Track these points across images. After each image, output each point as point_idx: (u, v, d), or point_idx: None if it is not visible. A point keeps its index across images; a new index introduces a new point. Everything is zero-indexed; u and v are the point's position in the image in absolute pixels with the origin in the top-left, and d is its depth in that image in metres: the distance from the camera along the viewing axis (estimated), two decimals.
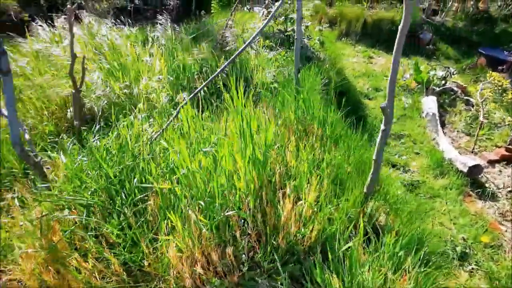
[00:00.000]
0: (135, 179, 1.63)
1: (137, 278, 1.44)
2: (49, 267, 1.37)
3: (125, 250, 1.47)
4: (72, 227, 1.51)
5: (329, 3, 7.92)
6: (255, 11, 6.55)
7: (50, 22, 3.33)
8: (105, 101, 2.22)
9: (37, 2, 6.71)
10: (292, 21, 4.77)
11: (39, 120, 2.29)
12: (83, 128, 2.16)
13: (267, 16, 5.63)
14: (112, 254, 1.38)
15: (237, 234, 1.49)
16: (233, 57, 2.04)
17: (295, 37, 2.49)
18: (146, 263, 1.42)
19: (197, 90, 2.00)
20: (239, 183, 1.64)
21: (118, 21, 4.07)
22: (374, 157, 1.76)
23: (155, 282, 1.42)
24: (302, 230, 1.55)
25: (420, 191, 3.04)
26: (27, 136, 1.89)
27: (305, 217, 1.59)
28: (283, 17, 4.83)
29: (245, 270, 1.43)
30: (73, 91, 1.89)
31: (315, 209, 1.61)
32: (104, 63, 2.50)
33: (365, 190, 1.85)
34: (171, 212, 1.46)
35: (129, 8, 6.99)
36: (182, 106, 1.95)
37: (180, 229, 1.43)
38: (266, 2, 5.76)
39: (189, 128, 1.91)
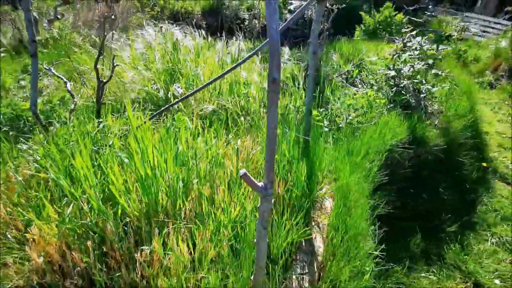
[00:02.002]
0: None
1: None
2: None
3: None
4: None
5: None
6: (395, 42, 5.65)
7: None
8: (135, 96, 2.55)
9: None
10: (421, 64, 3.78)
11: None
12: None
13: (401, 49, 4.74)
14: None
15: None
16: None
17: (307, 72, 1.94)
18: None
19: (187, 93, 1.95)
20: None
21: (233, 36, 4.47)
22: None
23: None
24: None
25: None
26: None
27: None
28: (406, 55, 3.90)
29: None
30: (100, 80, 2.28)
31: None
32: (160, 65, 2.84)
33: None
34: None
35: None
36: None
37: None
38: (404, 36, 4.84)
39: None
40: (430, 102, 3.63)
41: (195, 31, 3.50)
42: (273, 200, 1.30)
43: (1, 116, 2.84)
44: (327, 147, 2.38)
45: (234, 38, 3.84)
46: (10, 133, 2.61)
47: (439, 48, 6.28)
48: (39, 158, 1.89)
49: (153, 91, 2.51)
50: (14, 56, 4.39)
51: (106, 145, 1.87)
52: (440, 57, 4.74)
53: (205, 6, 9.00)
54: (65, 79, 2.58)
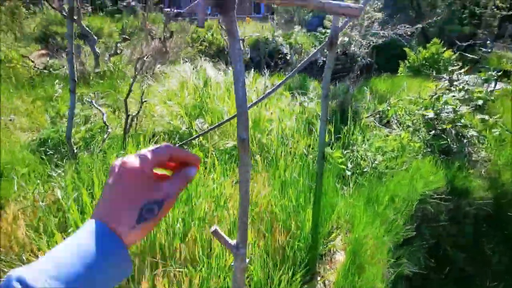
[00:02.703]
0: None
1: None
2: None
3: None
4: None
5: None
6: (441, 80, 5.32)
7: None
8: (160, 128, 2.70)
9: None
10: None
11: None
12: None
13: (447, 88, 4.44)
14: None
15: None
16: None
17: (321, 115, 1.85)
18: None
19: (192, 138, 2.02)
20: None
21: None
22: None
23: None
24: None
25: None
26: None
27: None
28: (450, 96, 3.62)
29: None
30: (128, 114, 2.47)
31: None
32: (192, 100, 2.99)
33: None
34: None
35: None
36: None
37: None
38: (451, 74, 4.55)
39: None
40: (475, 149, 3.28)
41: (228, 68, 3.67)
42: (248, 260, 1.23)
43: (49, 141, 3.19)
44: (342, 193, 2.24)
45: (265, 71, 3.94)
46: (54, 157, 2.91)
47: (494, 87, 5.77)
48: (63, 185, 2.05)
49: (178, 124, 2.64)
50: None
51: None
52: (492, 97, 4.33)
53: (250, 41, 9.49)
54: (103, 111, 2.84)
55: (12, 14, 8.77)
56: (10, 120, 3.63)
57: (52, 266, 0.32)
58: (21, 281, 0.30)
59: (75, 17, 4.15)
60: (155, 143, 2.48)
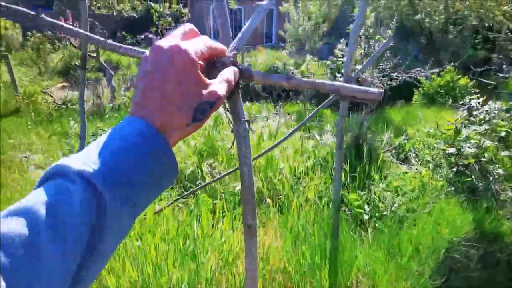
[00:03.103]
0: None
1: None
2: None
3: None
4: None
5: None
6: (459, 109, 5.16)
7: None
8: None
9: None
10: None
11: None
12: None
13: (466, 119, 4.28)
14: None
15: None
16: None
17: (335, 165, 1.73)
18: None
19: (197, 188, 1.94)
20: None
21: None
22: None
23: None
24: None
25: None
26: None
27: None
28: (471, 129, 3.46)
29: None
30: None
31: None
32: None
33: None
34: None
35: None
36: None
37: None
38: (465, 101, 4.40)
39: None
40: (502, 187, 3.06)
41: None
42: None
43: None
44: (361, 241, 2.08)
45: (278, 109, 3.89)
46: None
47: None
48: None
49: (186, 166, 2.59)
50: (89, 119, 5.09)
51: None
52: None
53: (262, 69, 9.64)
54: None
55: (37, 50, 9.28)
56: (25, 157, 3.69)
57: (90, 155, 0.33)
58: (63, 165, 0.31)
59: (94, 54, 4.31)
60: None
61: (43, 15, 0.82)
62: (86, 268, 0.30)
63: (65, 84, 8.28)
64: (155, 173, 0.35)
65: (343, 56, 8.02)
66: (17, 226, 0.27)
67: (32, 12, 0.76)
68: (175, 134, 0.37)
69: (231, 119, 0.74)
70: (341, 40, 7.49)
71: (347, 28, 6.82)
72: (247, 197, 0.77)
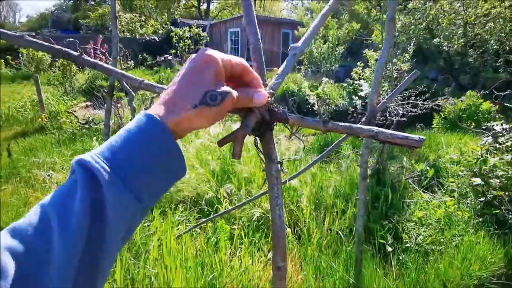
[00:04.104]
0: None
1: None
2: None
3: None
4: None
5: None
6: (484, 135, 4.99)
7: None
8: (188, 193, 2.65)
9: None
10: None
11: None
12: None
13: (491, 146, 4.12)
14: None
15: None
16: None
17: (358, 197, 1.67)
18: None
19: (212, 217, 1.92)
20: None
21: None
22: None
23: None
24: None
25: None
26: None
27: None
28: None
29: None
30: None
31: None
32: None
33: None
34: None
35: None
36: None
37: None
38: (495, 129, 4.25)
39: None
40: None
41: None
42: None
43: None
44: (385, 276, 1.97)
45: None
46: None
47: None
48: None
49: (205, 189, 2.58)
50: None
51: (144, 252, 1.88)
52: None
53: (279, 93, 9.75)
54: None
55: (63, 70, 9.75)
56: (48, 175, 3.79)
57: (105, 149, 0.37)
58: (79, 160, 0.35)
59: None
60: (181, 212, 2.40)
61: (84, 55, 0.86)
62: (94, 256, 0.33)
63: (88, 103, 8.61)
64: (155, 156, 0.37)
65: (359, 79, 8.02)
66: (33, 217, 0.33)
67: (74, 53, 0.80)
68: (182, 113, 0.39)
69: (263, 159, 0.73)
70: (358, 63, 7.53)
71: (364, 53, 6.86)
72: (277, 239, 0.75)
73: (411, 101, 3.93)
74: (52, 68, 11.56)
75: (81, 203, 0.33)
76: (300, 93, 9.41)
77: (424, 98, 4.47)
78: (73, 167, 0.36)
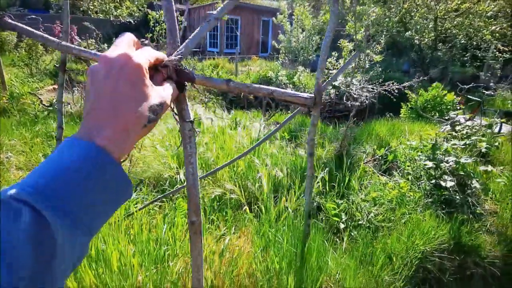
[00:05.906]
0: None
1: None
2: None
3: None
4: None
5: None
6: (443, 124, 5.27)
7: None
8: (151, 173, 2.65)
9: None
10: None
11: None
12: None
13: (449, 133, 4.37)
14: None
15: None
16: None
17: (307, 172, 1.77)
18: None
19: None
20: None
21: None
22: None
23: None
24: None
25: None
26: None
27: None
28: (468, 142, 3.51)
29: None
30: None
31: None
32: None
33: None
34: None
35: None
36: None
37: None
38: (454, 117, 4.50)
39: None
40: (479, 200, 3.12)
41: (224, 111, 3.70)
42: None
43: None
44: (335, 249, 2.09)
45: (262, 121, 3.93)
46: None
47: (499, 131, 5.66)
48: None
49: (165, 170, 2.59)
50: (76, 121, 5.07)
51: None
52: (497, 143, 4.21)
53: (254, 80, 9.73)
54: None
55: (29, 51, 9.23)
56: (7, 158, 3.64)
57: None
58: (4, 192, 0.31)
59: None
60: (140, 189, 2.41)
61: (6, 18, 0.85)
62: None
63: (55, 86, 8.24)
64: (98, 183, 0.34)
65: (333, 68, 8.16)
66: None
67: None
68: (132, 135, 0.38)
69: (177, 119, 0.76)
70: (333, 53, 7.64)
71: (338, 42, 6.97)
72: (191, 195, 0.79)
73: (370, 86, 4.08)
74: (18, 49, 10.91)
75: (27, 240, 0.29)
76: (278, 81, 9.44)
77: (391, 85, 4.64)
78: (16, 200, 0.30)
